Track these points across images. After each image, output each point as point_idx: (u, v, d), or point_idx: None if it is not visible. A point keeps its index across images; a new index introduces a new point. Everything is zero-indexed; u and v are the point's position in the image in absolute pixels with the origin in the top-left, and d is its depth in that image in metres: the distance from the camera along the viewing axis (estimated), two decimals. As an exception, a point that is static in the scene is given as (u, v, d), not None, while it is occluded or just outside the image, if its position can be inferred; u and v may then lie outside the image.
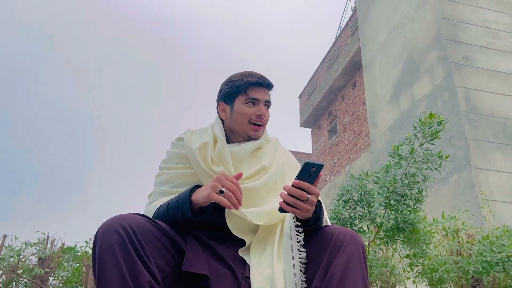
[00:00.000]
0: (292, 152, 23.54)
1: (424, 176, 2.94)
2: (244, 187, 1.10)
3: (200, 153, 1.15)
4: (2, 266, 3.45)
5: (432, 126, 2.83)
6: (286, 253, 0.99)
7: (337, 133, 12.68)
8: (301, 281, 0.95)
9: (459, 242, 3.58)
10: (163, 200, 1.13)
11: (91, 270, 3.57)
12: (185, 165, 1.18)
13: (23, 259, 3.67)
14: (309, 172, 0.93)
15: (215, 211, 1.09)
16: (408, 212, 2.97)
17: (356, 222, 3.07)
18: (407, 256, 3.31)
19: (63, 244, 3.62)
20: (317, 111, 13.87)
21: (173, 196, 1.11)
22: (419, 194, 2.98)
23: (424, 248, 3.22)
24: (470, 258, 3.33)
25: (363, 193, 3.04)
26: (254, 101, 1.20)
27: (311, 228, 1.02)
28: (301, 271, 0.96)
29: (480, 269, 3.11)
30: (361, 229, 3.07)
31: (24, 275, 3.46)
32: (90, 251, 3.96)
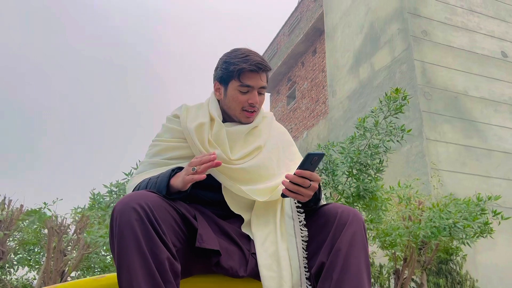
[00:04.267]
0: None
1: (386, 147, 3.11)
2: (239, 167, 1.13)
3: (196, 134, 1.14)
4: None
5: (397, 100, 2.96)
6: (289, 232, 1.05)
7: (295, 99, 12.83)
8: (303, 257, 1.02)
9: (410, 209, 3.85)
10: (154, 172, 1.15)
11: (53, 231, 3.51)
12: (180, 139, 1.18)
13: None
14: (311, 161, 0.98)
15: (215, 188, 1.13)
16: (369, 181, 3.14)
17: (320, 189, 3.21)
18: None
19: (21, 205, 3.51)
20: (277, 76, 13.89)
21: (162, 168, 1.14)
22: (380, 164, 3.15)
23: (380, 214, 3.43)
24: (420, 224, 3.61)
25: (328, 161, 3.16)
26: (248, 88, 1.16)
27: (311, 208, 1.08)
28: (303, 248, 1.03)
29: (429, 233, 3.38)
30: (325, 196, 3.22)
31: (-20, 237, 3.34)
32: (49, 213, 3.87)
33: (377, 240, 3.76)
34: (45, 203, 3.93)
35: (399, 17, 7.06)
